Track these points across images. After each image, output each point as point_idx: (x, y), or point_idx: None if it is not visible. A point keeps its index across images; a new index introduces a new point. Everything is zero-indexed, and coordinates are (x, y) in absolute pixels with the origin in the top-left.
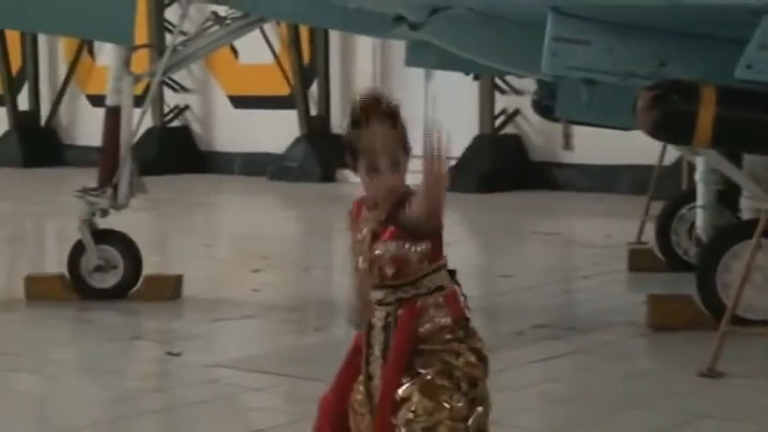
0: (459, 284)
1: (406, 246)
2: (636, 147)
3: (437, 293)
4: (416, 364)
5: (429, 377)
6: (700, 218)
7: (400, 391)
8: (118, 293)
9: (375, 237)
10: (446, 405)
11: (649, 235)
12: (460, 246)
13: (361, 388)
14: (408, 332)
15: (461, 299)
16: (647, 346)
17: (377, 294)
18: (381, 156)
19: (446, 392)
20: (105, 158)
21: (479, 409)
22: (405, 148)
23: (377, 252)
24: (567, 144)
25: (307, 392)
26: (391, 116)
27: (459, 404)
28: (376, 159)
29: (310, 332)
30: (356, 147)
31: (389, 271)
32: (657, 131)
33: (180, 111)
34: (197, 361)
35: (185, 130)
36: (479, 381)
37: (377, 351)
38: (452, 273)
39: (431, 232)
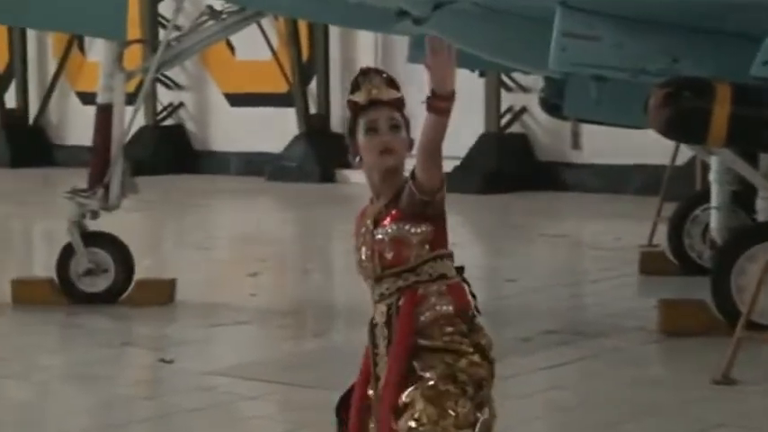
0: (467, 282)
1: (406, 227)
2: (647, 146)
3: (440, 282)
4: (417, 366)
5: (432, 382)
6: (714, 219)
7: (403, 396)
8: (108, 298)
9: (377, 224)
10: (451, 412)
11: (661, 237)
12: (465, 248)
13: (371, 392)
14: (410, 324)
15: (470, 296)
16: (659, 352)
17: (378, 289)
18: (380, 111)
19: (451, 398)
20: (96, 158)
21: (486, 411)
22: (403, 117)
23: (378, 237)
24: (576, 143)
25: (304, 401)
26: (390, 81)
27: (465, 409)
28: (375, 117)
29: (309, 338)
30: (357, 102)
31: (389, 255)
32: (670, 130)
33: (174, 108)
34: (191, 368)
35: (179, 129)
36: (485, 381)
37: (382, 349)
38: (460, 269)
39: (434, 198)
